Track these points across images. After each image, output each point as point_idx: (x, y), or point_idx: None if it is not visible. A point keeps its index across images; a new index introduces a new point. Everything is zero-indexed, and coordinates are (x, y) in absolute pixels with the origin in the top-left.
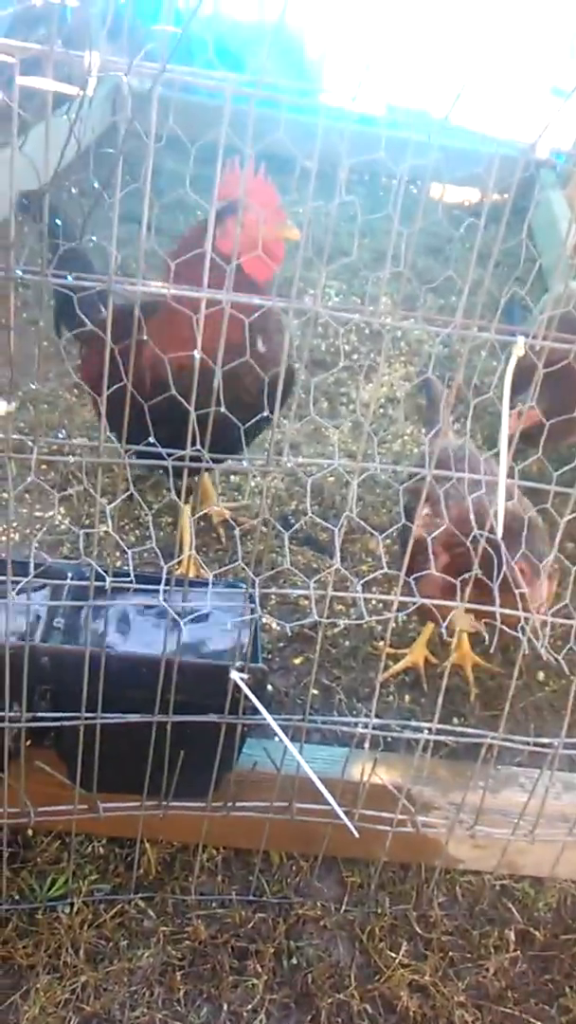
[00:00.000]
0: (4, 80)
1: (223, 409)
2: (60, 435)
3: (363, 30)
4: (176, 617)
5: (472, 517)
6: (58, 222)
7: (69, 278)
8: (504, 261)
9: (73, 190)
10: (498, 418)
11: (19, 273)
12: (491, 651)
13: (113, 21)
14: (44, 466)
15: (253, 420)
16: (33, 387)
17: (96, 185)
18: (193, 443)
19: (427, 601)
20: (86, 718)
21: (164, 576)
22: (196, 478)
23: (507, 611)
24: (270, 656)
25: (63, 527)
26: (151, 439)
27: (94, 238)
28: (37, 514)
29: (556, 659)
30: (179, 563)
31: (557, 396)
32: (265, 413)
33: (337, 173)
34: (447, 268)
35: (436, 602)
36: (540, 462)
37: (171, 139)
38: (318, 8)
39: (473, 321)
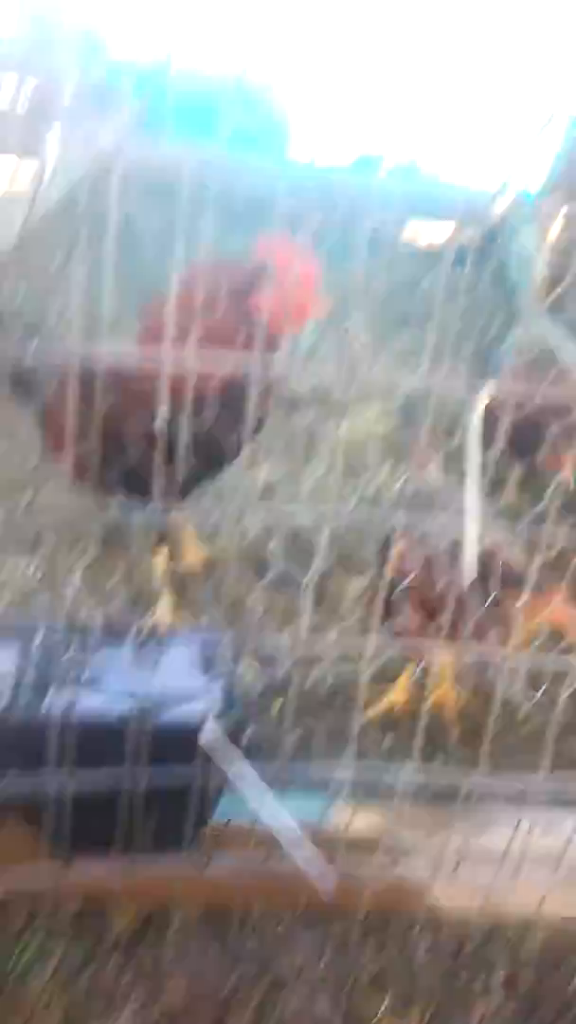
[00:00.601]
0: None
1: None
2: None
3: (330, 81)
4: (147, 673)
5: (446, 558)
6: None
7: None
8: (478, 297)
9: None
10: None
11: None
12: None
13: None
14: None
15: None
16: None
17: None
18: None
19: (400, 644)
20: (56, 780)
21: (137, 629)
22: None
23: (483, 647)
24: (248, 702)
25: (36, 579)
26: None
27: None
28: (9, 567)
29: (532, 697)
30: (155, 611)
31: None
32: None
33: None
34: (422, 306)
35: (405, 643)
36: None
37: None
38: (286, 61)
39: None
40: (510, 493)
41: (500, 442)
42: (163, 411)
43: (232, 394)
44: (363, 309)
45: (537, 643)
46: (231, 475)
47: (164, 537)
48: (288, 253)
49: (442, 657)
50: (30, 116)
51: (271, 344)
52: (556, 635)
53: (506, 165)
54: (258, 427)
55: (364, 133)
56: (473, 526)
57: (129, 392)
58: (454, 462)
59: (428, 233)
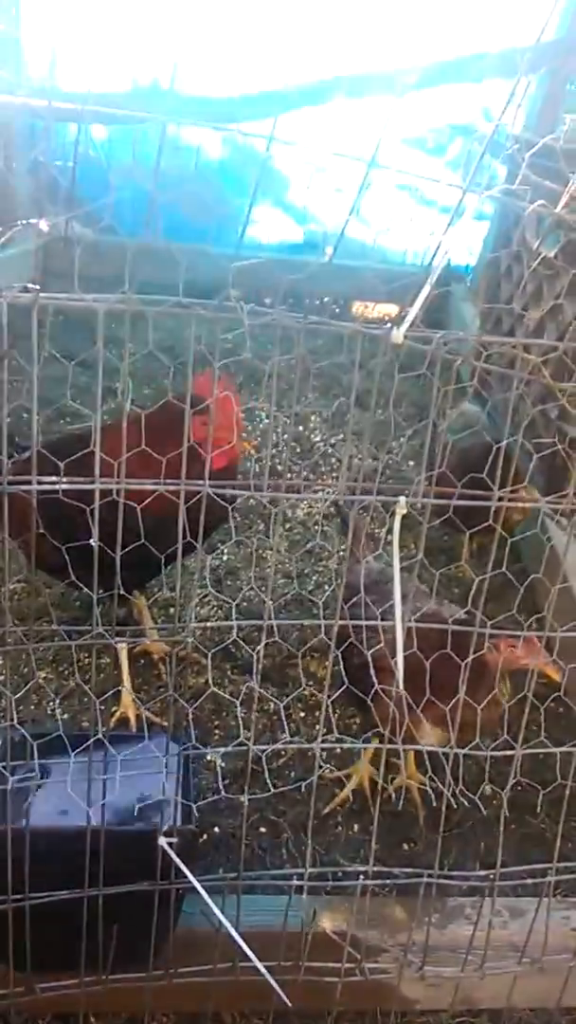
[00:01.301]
0: None
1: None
2: None
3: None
4: (101, 784)
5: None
6: None
7: None
8: (407, 393)
9: None
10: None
11: None
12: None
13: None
14: None
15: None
16: None
17: None
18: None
19: (347, 745)
20: (13, 900)
21: (92, 737)
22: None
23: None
24: (215, 795)
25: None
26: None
27: None
28: None
29: (468, 798)
30: (116, 708)
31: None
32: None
33: (262, 300)
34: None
35: (345, 744)
36: (469, 569)
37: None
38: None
39: (357, 484)
40: (464, 562)
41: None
42: (95, 531)
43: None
44: (315, 390)
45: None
46: (192, 562)
47: (123, 631)
48: (221, 396)
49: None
50: None
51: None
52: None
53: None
54: (211, 529)
55: (309, 213)
56: (400, 618)
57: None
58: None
59: (374, 310)
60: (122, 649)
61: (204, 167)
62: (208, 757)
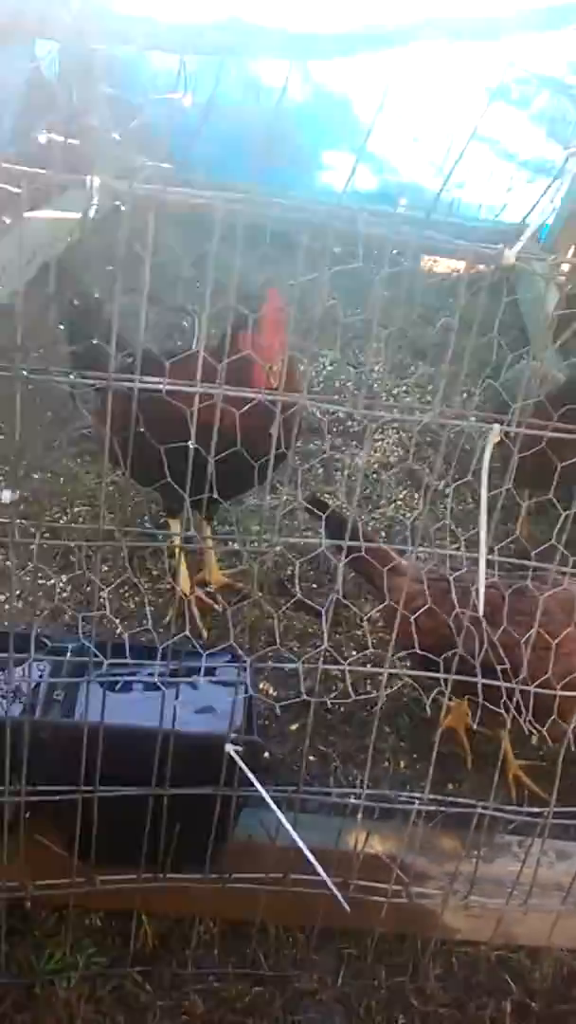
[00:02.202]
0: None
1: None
2: (64, 512)
3: (358, 108)
4: (172, 690)
5: (453, 594)
6: (61, 326)
7: (72, 376)
8: (492, 329)
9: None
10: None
11: (24, 373)
12: (476, 727)
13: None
14: (47, 534)
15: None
16: (36, 477)
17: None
18: (210, 486)
19: (413, 673)
20: (84, 791)
21: (160, 649)
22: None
23: (489, 682)
24: (267, 723)
25: (65, 594)
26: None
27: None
28: (39, 582)
29: (539, 730)
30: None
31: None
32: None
33: (330, 248)
34: (437, 336)
35: (417, 673)
36: (528, 527)
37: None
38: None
39: (452, 411)
40: (524, 525)
41: (512, 475)
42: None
43: (255, 425)
44: (381, 340)
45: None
46: (253, 499)
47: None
48: (276, 318)
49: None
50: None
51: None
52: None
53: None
54: (281, 457)
55: (385, 162)
56: (483, 565)
57: (165, 415)
58: (468, 490)
59: (444, 265)
60: (181, 562)
61: (283, 110)
62: (260, 686)
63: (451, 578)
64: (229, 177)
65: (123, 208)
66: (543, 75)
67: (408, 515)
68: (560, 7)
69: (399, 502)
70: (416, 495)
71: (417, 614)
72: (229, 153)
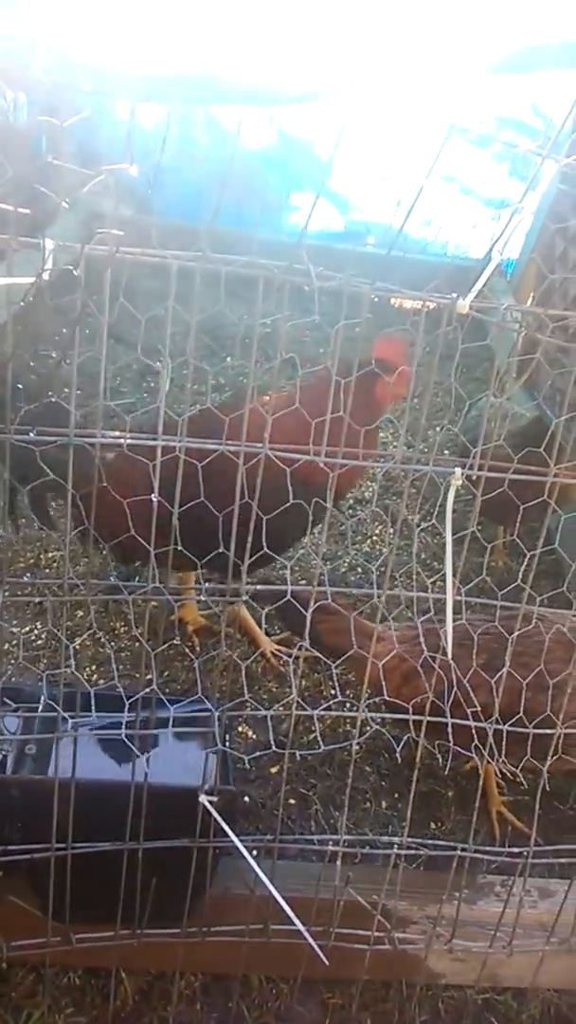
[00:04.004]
0: None
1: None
2: (37, 558)
3: (323, 151)
4: (144, 742)
5: (422, 639)
6: (20, 386)
7: (32, 434)
8: (463, 363)
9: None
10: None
11: None
12: (445, 772)
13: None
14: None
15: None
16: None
17: (53, 355)
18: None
19: (389, 716)
20: (56, 849)
21: (134, 699)
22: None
23: (459, 721)
24: (247, 767)
25: (39, 643)
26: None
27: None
28: (13, 630)
29: (514, 773)
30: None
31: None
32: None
33: (303, 288)
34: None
35: (399, 716)
36: (504, 557)
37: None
38: (278, 131)
39: (412, 455)
40: (500, 556)
41: (477, 516)
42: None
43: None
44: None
45: None
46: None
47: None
48: (399, 352)
49: None
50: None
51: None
52: None
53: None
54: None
55: (352, 202)
56: (451, 608)
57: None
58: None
59: (413, 302)
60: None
61: (247, 154)
62: (239, 729)
63: (424, 644)
64: (200, 221)
65: (75, 272)
66: (505, 116)
67: (384, 551)
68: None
69: (375, 537)
70: (391, 530)
71: (398, 688)
72: (200, 198)
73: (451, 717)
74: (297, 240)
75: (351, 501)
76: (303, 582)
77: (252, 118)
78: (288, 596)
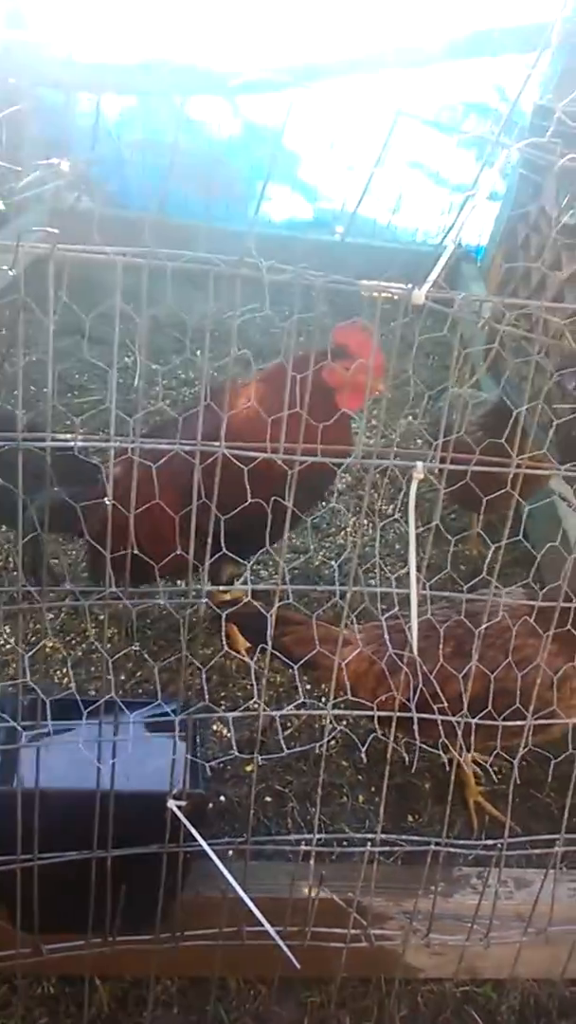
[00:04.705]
0: None
1: None
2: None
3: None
4: (110, 748)
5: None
6: None
7: None
8: (434, 351)
9: None
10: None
11: None
12: (412, 770)
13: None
14: None
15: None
16: None
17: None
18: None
19: (357, 714)
20: (22, 860)
21: (99, 704)
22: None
23: (427, 716)
24: (221, 765)
25: (8, 647)
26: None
27: None
28: None
29: (485, 762)
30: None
31: None
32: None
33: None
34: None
35: (360, 714)
36: (478, 545)
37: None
38: (243, 121)
39: (374, 449)
40: (475, 544)
41: (440, 508)
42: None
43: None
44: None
45: None
46: None
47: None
48: (362, 340)
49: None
50: None
51: (340, 421)
52: None
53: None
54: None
55: (320, 191)
56: (415, 603)
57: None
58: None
59: (383, 290)
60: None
61: (213, 144)
62: (214, 727)
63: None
64: (167, 213)
65: (11, 272)
66: (470, 100)
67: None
68: (473, 36)
69: (348, 529)
70: (366, 521)
71: (373, 691)
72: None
73: (422, 713)
74: (249, 230)
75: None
76: (275, 579)
77: (218, 108)
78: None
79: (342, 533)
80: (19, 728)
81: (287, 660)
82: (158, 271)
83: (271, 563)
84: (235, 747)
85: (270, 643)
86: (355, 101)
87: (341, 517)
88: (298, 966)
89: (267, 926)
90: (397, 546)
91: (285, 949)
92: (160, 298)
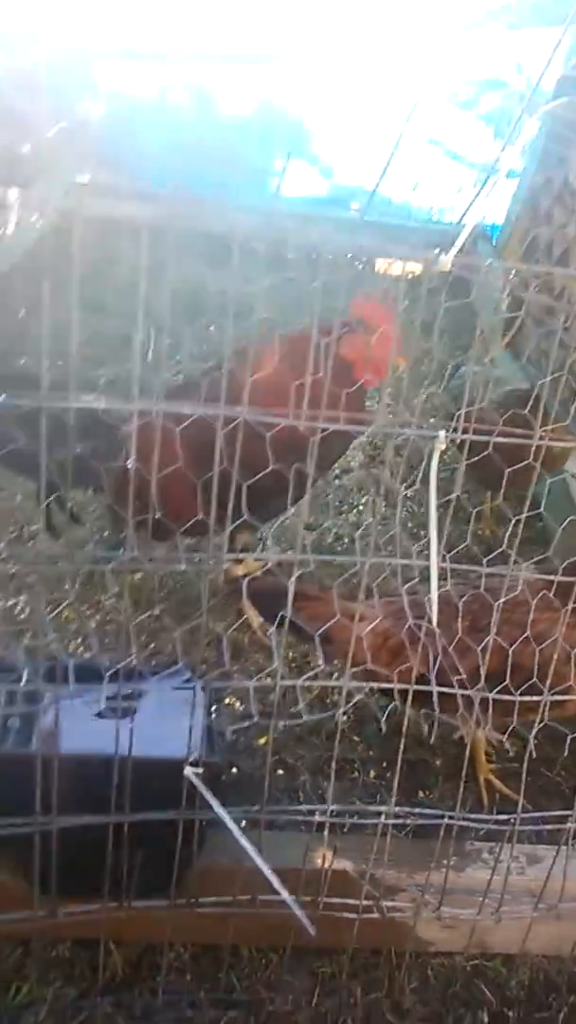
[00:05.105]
0: None
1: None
2: (20, 532)
3: (309, 115)
4: (129, 713)
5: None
6: None
7: (2, 396)
8: (448, 330)
9: None
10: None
11: None
12: (431, 740)
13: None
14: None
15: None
16: None
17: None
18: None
19: (375, 685)
20: (41, 822)
21: (116, 670)
22: None
23: (445, 689)
24: (234, 736)
25: (23, 616)
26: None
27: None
28: None
29: (501, 740)
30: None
31: None
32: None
33: (285, 253)
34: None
35: (383, 685)
36: (492, 524)
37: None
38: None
39: (396, 420)
40: (487, 523)
41: (461, 482)
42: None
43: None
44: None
45: None
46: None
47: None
48: (378, 313)
49: None
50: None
51: (356, 392)
52: None
53: (471, 199)
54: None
55: (336, 167)
56: (435, 576)
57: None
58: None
59: (399, 267)
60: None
61: (227, 119)
62: (227, 700)
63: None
64: (181, 185)
65: (39, 223)
66: (490, 77)
67: (369, 520)
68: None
69: (360, 507)
70: (377, 500)
71: (388, 665)
72: (179, 161)
73: (438, 686)
74: (273, 202)
75: (337, 471)
76: (290, 553)
77: (235, 82)
78: (267, 567)
79: (354, 511)
80: (41, 690)
81: (302, 637)
82: (178, 240)
83: (283, 539)
84: (254, 715)
85: (288, 614)
86: (372, 75)
87: (352, 495)
88: (313, 932)
89: (283, 893)
90: (410, 524)
91: (301, 916)
92: (176, 272)
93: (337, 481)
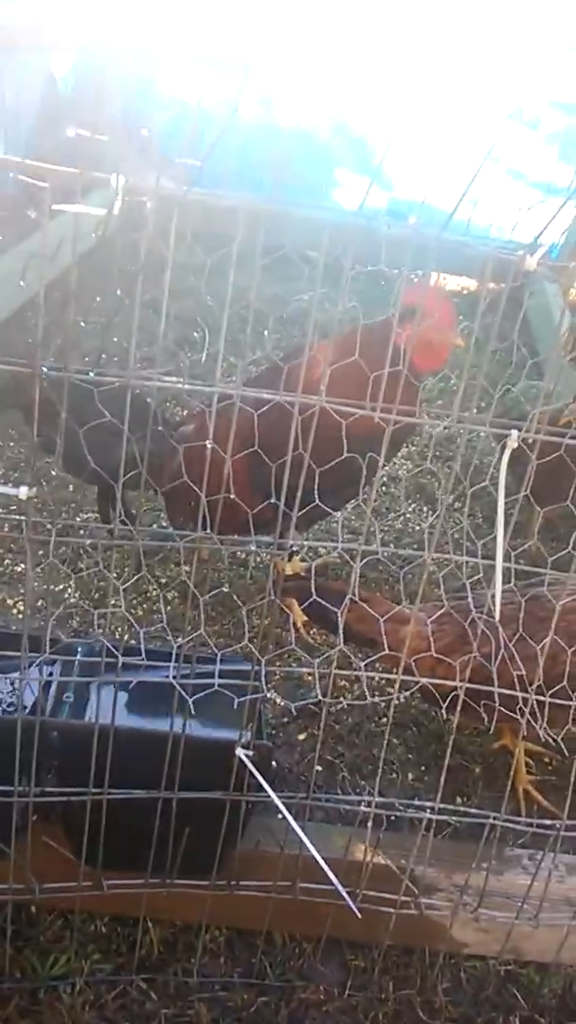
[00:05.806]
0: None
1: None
2: (73, 519)
3: (370, 128)
4: (183, 694)
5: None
6: (82, 323)
7: (91, 373)
8: (501, 347)
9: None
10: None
11: (44, 369)
12: (490, 731)
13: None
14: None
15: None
16: (54, 473)
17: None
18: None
19: (426, 680)
20: (93, 794)
21: (172, 652)
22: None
23: (504, 691)
24: (274, 732)
25: (72, 601)
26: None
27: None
28: (48, 588)
29: (555, 740)
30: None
31: None
32: None
33: (343, 264)
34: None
35: (436, 681)
36: (538, 542)
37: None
38: (333, 107)
39: (469, 415)
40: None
41: (529, 484)
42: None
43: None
44: None
45: None
46: None
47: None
48: (432, 298)
49: None
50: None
51: (414, 380)
52: None
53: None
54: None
55: (394, 180)
56: (500, 570)
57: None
58: (478, 505)
59: (456, 283)
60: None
61: (291, 130)
62: (269, 695)
63: (463, 614)
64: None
65: (148, 204)
66: (555, 98)
67: (418, 528)
68: None
69: (408, 515)
70: (425, 508)
71: (433, 668)
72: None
73: (483, 693)
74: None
75: (384, 478)
76: (335, 556)
77: (296, 94)
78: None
79: (400, 519)
80: (101, 664)
81: (348, 639)
82: (229, 254)
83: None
84: (295, 712)
85: (342, 611)
86: (437, 91)
87: (399, 503)
88: (359, 915)
89: (332, 877)
90: (455, 535)
91: (349, 901)
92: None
93: (384, 489)
